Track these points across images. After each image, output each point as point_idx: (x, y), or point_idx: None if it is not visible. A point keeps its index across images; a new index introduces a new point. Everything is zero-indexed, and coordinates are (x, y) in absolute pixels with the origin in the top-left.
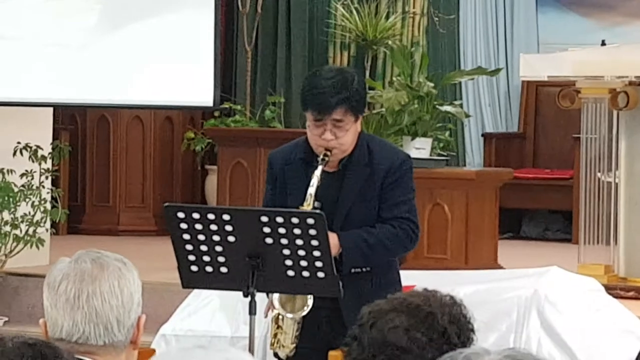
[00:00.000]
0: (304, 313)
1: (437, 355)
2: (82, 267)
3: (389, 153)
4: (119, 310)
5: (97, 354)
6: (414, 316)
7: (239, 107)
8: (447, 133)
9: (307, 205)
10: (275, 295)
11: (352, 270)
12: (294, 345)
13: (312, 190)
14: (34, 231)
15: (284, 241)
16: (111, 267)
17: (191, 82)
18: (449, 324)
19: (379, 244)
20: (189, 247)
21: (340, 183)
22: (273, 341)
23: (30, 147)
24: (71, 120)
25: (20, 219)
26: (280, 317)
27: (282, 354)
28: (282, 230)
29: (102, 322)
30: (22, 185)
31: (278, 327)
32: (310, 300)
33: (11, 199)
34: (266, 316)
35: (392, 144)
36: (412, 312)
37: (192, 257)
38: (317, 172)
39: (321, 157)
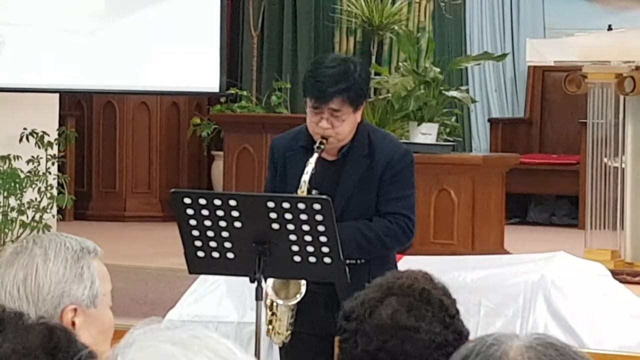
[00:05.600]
0: (297, 300)
1: (442, 329)
2: (8, 253)
3: (390, 146)
4: (21, 301)
5: None
6: (409, 295)
7: (245, 92)
8: (454, 118)
9: (301, 192)
10: (269, 282)
11: (347, 261)
12: (289, 332)
13: (306, 177)
14: (41, 217)
15: (290, 227)
16: (25, 256)
17: (197, 68)
18: (443, 296)
19: (375, 237)
20: (195, 232)
21: (339, 172)
22: (268, 328)
23: (37, 133)
24: (77, 106)
25: (26, 205)
26: (274, 304)
27: (277, 341)
28: (288, 216)
29: None
30: (29, 172)
31: (272, 314)
32: (303, 287)
33: (18, 185)
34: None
35: (394, 137)
36: (406, 292)
37: (198, 243)
38: (312, 160)
39: (317, 144)
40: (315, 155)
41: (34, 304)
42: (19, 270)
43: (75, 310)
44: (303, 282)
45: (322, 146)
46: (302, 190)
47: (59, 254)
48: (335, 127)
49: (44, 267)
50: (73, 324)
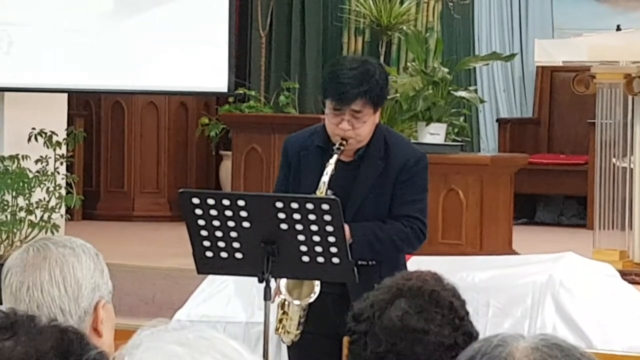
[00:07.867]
0: (311, 300)
1: (452, 331)
2: (25, 256)
3: (406, 149)
4: (62, 299)
5: None
6: (419, 297)
7: (253, 92)
8: (462, 118)
9: (320, 193)
10: (282, 281)
11: (359, 262)
12: (299, 331)
13: (325, 178)
14: (49, 217)
15: (298, 227)
16: (54, 255)
17: (206, 68)
18: (453, 298)
19: (388, 240)
20: (203, 232)
21: (355, 174)
22: (278, 326)
23: (45, 133)
24: (86, 106)
25: (35, 205)
26: (286, 302)
27: (286, 340)
28: (297, 216)
29: (44, 313)
30: (37, 171)
31: (284, 312)
32: (317, 287)
33: (26, 185)
34: (273, 301)
35: (409, 140)
36: (416, 293)
37: (207, 243)
38: (332, 161)
39: (337, 145)
40: (335, 157)
41: (75, 300)
42: (53, 268)
43: (104, 304)
44: (317, 281)
45: (342, 147)
46: (321, 191)
47: (84, 250)
48: (356, 128)
49: (78, 263)
50: (97, 316)
